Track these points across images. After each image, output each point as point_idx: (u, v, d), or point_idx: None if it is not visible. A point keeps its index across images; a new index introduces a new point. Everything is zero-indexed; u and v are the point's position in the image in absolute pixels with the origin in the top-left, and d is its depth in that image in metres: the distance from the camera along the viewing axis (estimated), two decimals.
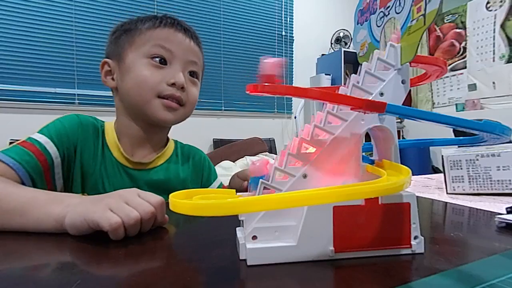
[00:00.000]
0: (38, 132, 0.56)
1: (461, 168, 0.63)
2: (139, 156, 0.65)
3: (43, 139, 0.55)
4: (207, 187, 0.76)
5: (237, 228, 0.33)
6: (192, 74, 0.66)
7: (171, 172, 0.68)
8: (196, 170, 0.75)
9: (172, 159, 0.70)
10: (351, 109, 0.30)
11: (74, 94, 2.34)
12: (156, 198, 0.40)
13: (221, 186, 0.79)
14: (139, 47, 0.61)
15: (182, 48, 0.63)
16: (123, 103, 0.64)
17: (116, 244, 0.35)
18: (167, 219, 0.41)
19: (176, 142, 0.75)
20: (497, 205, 0.52)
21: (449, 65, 2.90)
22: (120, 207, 0.36)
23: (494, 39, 2.63)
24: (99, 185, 0.60)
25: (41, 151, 0.53)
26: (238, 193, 0.37)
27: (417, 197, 0.31)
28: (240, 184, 0.74)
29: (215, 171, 0.80)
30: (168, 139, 0.73)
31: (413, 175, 0.29)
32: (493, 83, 2.66)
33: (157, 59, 0.61)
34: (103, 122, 0.67)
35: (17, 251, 0.34)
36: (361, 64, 0.34)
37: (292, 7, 3.22)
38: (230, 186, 0.78)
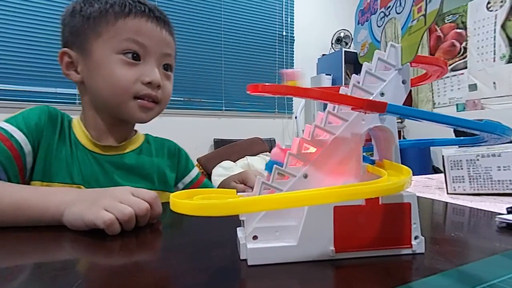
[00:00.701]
0: (4, 121, 0.55)
1: (462, 168, 0.63)
2: (104, 140, 0.63)
3: (9, 127, 0.53)
4: (186, 175, 0.74)
5: (237, 228, 0.33)
6: (166, 67, 0.62)
7: (144, 157, 0.67)
8: (171, 157, 0.73)
9: (144, 146, 0.69)
10: (352, 109, 0.30)
11: (74, 94, 2.34)
12: (149, 193, 0.41)
13: (199, 175, 0.78)
14: (108, 40, 0.56)
15: (156, 41, 0.59)
16: (91, 98, 0.61)
17: (116, 244, 0.35)
18: (161, 211, 0.42)
19: (146, 135, 0.73)
20: (498, 205, 0.52)
21: (450, 65, 2.90)
22: (114, 205, 0.38)
23: (494, 39, 2.62)
24: (63, 172, 0.57)
25: (7, 137, 0.52)
26: (238, 193, 0.37)
27: (418, 197, 0.31)
28: (235, 187, 0.70)
29: (191, 160, 0.78)
30: (135, 131, 0.71)
31: (413, 175, 0.29)
32: (494, 83, 2.66)
33: (130, 54, 0.56)
34: (71, 117, 0.65)
35: (17, 251, 0.34)
36: (362, 64, 0.34)
37: (293, 7, 3.22)
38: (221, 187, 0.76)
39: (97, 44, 0.57)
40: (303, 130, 0.34)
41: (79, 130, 0.62)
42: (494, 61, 2.64)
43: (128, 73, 0.56)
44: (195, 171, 0.77)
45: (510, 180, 0.58)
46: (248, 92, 0.27)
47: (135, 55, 0.57)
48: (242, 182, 0.71)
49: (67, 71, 0.60)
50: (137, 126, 0.69)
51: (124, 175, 0.63)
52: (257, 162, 2.40)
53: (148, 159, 0.67)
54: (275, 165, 0.30)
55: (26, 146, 0.54)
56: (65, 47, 0.60)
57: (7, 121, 0.55)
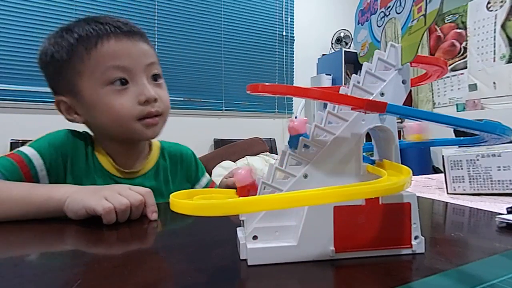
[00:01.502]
0: (28, 145, 0.57)
1: (462, 168, 0.63)
2: (127, 166, 0.64)
3: (30, 152, 0.55)
4: (196, 184, 0.76)
5: (237, 228, 0.33)
6: (155, 76, 0.61)
7: (161, 176, 0.68)
8: (186, 174, 0.75)
9: (160, 163, 0.69)
10: (352, 109, 0.30)
11: None
12: (144, 189, 0.46)
13: (210, 182, 0.79)
14: (90, 76, 0.55)
15: (135, 57, 0.57)
16: (100, 132, 0.62)
17: (117, 244, 0.35)
18: (156, 208, 0.45)
19: (161, 142, 0.74)
20: (498, 205, 0.52)
21: (450, 65, 2.90)
22: (113, 196, 0.42)
23: (494, 39, 2.62)
24: None
25: (26, 163, 0.54)
26: None
27: (418, 197, 0.31)
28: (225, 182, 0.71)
29: (202, 167, 0.79)
30: (150, 142, 0.71)
31: (413, 175, 0.29)
32: (494, 83, 2.66)
33: (117, 82, 0.56)
34: (86, 133, 0.65)
35: (17, 250, 0.34)
36: (362, 64, 0.34)
37: (293, 7, 3.22)
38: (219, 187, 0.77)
39: (81, 83, 0.56)
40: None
41: (101, 156, 0.63)
42: (494, 61, 2.64)
43: (123, 100, 0.56)
44: (205, 178, 0.78)
45: (510, 180, 0.58)
46: (248, 92, 0.27)
47: (122, 80, 0.56)
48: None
49: (69, 117, 0.61)
50: None
51: None
52: (257, 162, 2.39)
53: (164, 177, 0.69)
54: (275, 166, 0.30)
55: (41, 172, 0.55)
56: (55, 94, 0.60)
57: (31, 145, 0.57)
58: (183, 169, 0.74)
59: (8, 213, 0.44)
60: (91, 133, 0.64)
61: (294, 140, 0.30)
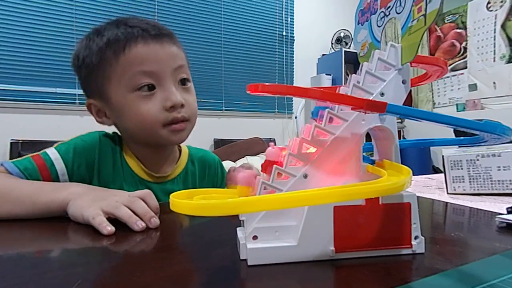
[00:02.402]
0: (54, 147, 0.57)
1: (462, 168, 0.63)
2: (156, 170, 0.65)
3: (54, 155, 0.56)
4: None
5: (237, 228, 0.33)
6: (183, 80, 0.60)
7: (189, 181, 0.69)
8: (213, 176, 0.76)
9: (189, 167, 0.70)
10: (352, 109, 0.30)
11: (75, 94, 2.34)
12: (144, 191, 0.45)
13: None
14: (119, 81, 0.56)
15: (163, 61, 0.56)
16: (127, 135, 0.63)
17: (117, 243, 0.35)
18: (156, 204, 0.44)
19: (188, 148, 0.75)
20: (498, 205, 0.52)
21: (450, 65, 2.90)
22: (110, 207, 0.41)
23: (494, 39, 2.63)
24: None
25: (47, 166, 0.55)
26: None
27: (418, 197, 0.31)
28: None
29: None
30: (180, 147, 0.72)
31: (413, 175, 0.29)
32: (494, 83, 2.66)
33: (145, 87, 0.55)
34: (115, 134, 0.66)
35: (17, 250, 0.34)
36: (362, 64, 0.34)
37: (293, 7, 3.22)
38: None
39: (110, 88, 0.57)
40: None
41: (131, 160, 0.63)
42: (494, 61, 2.64)
43: (149, 106, 0.56)
44: None
45: (510, 180, 0.58)
46: (248, 92, 0.27)
47: (149, 86, 0.56)
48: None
49: (99, 119, 0.62)
50: None
51: None
52: (257, 162, 2.40)
53: (193, 182, 0.70)
54: (275, 166, 0.30)
55: (63, 176, 0.56)
56: (87, 96, 0.62)
57: (57, 147, 0.57)
58: (210, 175, 0.75)
59: (15, 212, 0.45)
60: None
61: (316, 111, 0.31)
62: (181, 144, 0.71)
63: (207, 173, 0.74)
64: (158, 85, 0.56)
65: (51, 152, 0.56)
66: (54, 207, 0.44)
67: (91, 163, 0.59)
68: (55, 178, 0.55)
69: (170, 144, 0.63)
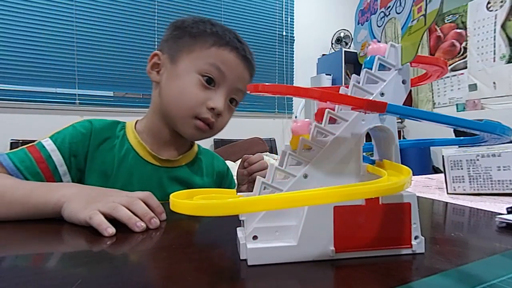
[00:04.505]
0: (49, 137, 0.57)
1: (462, 168, 0.63)
2: (165, 154, 0.66)
3: (50, 146, 0.56)
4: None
5: (237, 228, 0.33)
6: (232, 100, 0.66)
7: (195, 172, 0.70)
8: (219, 178, 0.77)
9: (197, 160, 0.72)
10: (352, 109, 0.30)
11: (75, 94, 2.34)
12: (145, 193, 0.44)
13: None
14: (196, 59, 0.61)
15: (235, 75, 0.62)
16: (160, 102, 0.64)
17: (117, 243, 0.35)
18: (158, 204, 0.44)
19: (199, 146, 0.76)
20: (498, 205, 0.52)
21: (450, 65, 2.90)
22: (107, 207, 0.40)
23: (494, 39, 2.62)
24: (122, 183, 0.61)
25: (44, 158, 0.55)
26: (238, 193, 0.37)
27: (418, 197, 0.31)
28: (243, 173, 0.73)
29: (234, 181, 0.82)
30: (192, 143, 0.74)
31: (413, 175, 0.29)
32: (494, 83, 2.66)
33: (207, 78, 0.60)
34: (125, 123, 0.67)
35: (16, 250, 0.34)
36: (362, 64, 0.34)
37: (293, 7, 3.22)
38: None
39: (185, 57, 0.61)
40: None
41: (134, 140, 0.64)
42: (494, 61, 2.64)
43: (198, 94, 0.60)
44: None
45: (510, 180, 0.58)
46: (248, 92, 0.27)
47: (211, 79, 0.60)
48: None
49: (150, 70, 0.65)
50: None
51: (175, 187, 0.66)
52: None
53: (199, 176, 0.71)
54: (275, 166, 0.30)
55: (61, 167, 0.56)
56: (159, 50, 0.65)
57: (52, 137, 0.58)
58: (217, 178, 0.76)
59: (10, 214, 0.44)
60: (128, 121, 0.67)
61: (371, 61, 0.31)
62: (196, 143, 0.74)
63: (215, 173, 0.76)
64: (216, 85, 0.61)
65: (47, 143, 0.56)
66: (48, 210, 0.44)
67: (85, 152, 0.60)
68: (54, 170, 0.55)
69: (183, 134, 0.63)
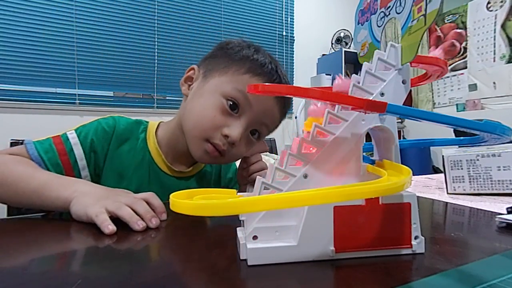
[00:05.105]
0: (74, 130, 0.59)
1: (462, 168, 0.63)
2: (177, 167, 0.66)
3: (74, 140, 0.57)
4: None
5: (237, 228, 0.33)
6: (255, 132, 0.62)
7: (204, 183, 0.71)
8: (228, 183, 0.77)
9: (207, 169, 0.73)
10: (352, 109, 0.30)
11: (75, 94, 2.34)
12: (147, 193, 0.45)
13: None
14: (226, 82, 0.58)
15: (262, 108, 0.58)
16: (183, 115, 0.63)
17: (117, 243, 0.35)
18: (161, 204, 0.44)
19: None
20: (498, 205, 0.52)
21: (450, 65, 2.90)
22: (113, 206, 0.41)
23: (494, 39, 2.62)
24: (136, 188, 0.61)
25: (67, 151, 0.56)
26: (238, 193, 0.37)
27: (418, 197, 0.31)
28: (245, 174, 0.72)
29: None
30: None
31: (413, 175, 0.29)
32: (494, 83, 2.66)
33: (231, 103, 0.57)
34: (147, 124, 0.67)
35: (16, 250, 0.34)
36: (362, 64, 0.34)
37: (293, 7, 3.22)
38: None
39: (216, 78, 0.60)
40: (303, 130, 0.34)
41: (153, 146, 0.65)
42: (494, 61, 2.64)
43: (216, 117, 0.57)
44: None
45: (510, 180, 0.58)
46: (248, 92, 0.27)
47: (234, 105, 0.57)
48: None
49: (184, 82, 0.65)
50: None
51: None
52: None
53: (207, 185, 0.71)
54: (275, 166, 0.30)
55: (81, 162, 0.58)
56: (198, 65, 0.65)
57: (77, 130, 0.59)
58: (226, 183, 0.77)
59: (22, 202, 0.47)
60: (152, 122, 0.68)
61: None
62: None
63: (225, 178, 0.76)
64: (240, 113, 0.58)
65: (72, 136, 0.58)
66: (58, 204, 0.45)
67: (105, 150, 0.61)
68: (74, 163, 0.57)
69: (193, 154, 0.62)
